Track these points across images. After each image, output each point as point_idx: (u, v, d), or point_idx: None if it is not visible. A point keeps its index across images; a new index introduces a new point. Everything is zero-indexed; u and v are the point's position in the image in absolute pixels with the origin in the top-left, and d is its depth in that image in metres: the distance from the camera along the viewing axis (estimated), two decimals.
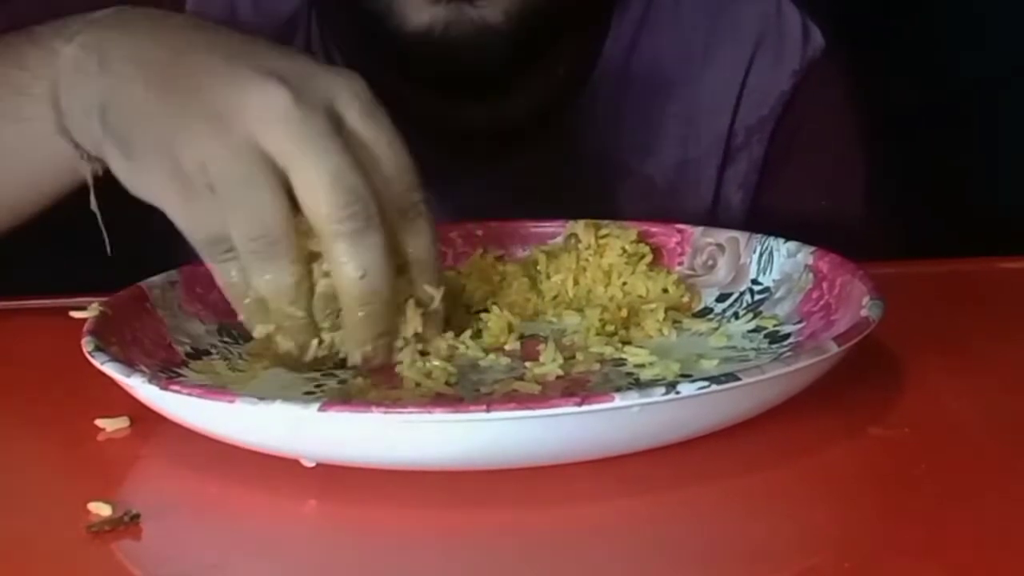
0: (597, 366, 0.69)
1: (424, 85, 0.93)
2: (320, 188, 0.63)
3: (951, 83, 1.53)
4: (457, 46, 0.87)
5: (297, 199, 0.64)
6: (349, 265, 0.64)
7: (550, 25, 0.92)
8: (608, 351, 0.70)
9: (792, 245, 0.76)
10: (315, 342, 0.66)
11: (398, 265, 0.67)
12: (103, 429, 0.64)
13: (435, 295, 0.68)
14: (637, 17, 0.99)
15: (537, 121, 0.97)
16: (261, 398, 0.57)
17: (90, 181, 0.72)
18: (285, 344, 0.66)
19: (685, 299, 0.76)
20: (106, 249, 0.73)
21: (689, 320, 0.74)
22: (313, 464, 0.59)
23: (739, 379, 0.57)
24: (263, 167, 0.64)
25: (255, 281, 0.65)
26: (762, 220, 0.98)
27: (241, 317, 0.68)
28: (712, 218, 1.00)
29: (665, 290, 0.76)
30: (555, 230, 0.82)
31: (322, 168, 0.63)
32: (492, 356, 0.70)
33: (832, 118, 1.03)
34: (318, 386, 0.67)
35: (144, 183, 0.67)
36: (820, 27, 1.01)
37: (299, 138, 0.63)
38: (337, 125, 0.65)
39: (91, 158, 0.72)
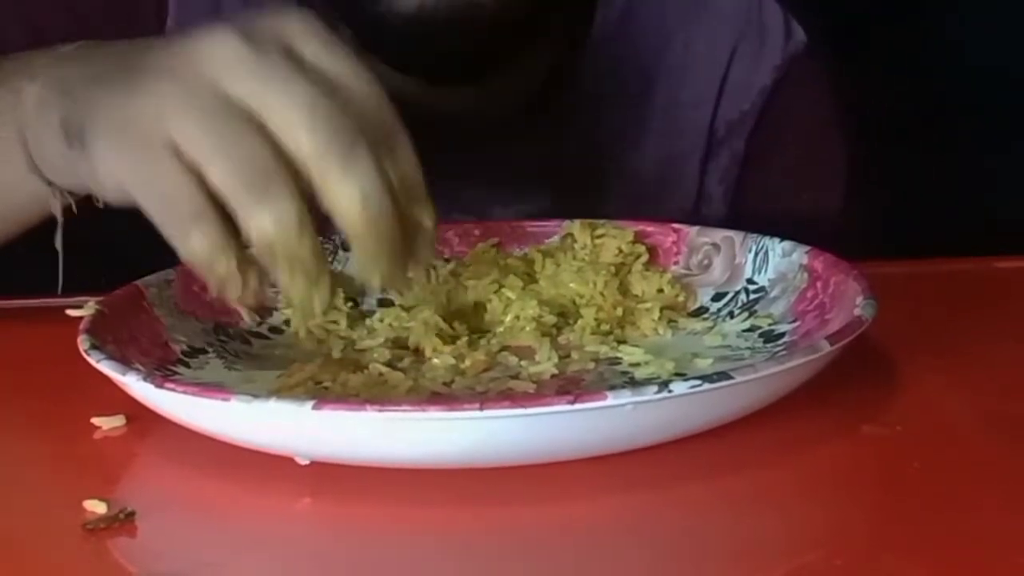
0: (592, 365, 0.69)
1: (408, 70, 0.90)
2: (298, 122, 0.59)
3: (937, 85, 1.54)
4: (443, 26, 0.85)
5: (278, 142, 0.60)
6: (348, 194, 0.59)
7: (537, 4, 0.91)
8: (603, 350, 0.70)
9: (787, 245, 0.76)
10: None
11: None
12: (99, 427, 0.65)
13: (427, 217, 0.63)
14: (621, 6, 1.00)
15: (523, 110, 0.97)
16: (255, 396, 0.57)
17: (59, 218, 0.71)
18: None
19: (680, 298, 0.76)
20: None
21: (684, 319, 0.74)
22: (307, 462, 0.59)
23: (732, 378, 0.58)
24: (233, 111, 0.59)
25: (255, 230, 0.59)
26: (743, 215, 1.00)
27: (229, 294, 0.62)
28: (696, 212, 1.00)
29: (661, 289, 0.76)
30: (552, 230, 0.82)
31: (295, 101, 0.59)
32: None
33: (812, 115, 1.03)
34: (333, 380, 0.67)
35: (108, 169, 0.62)
36: (803, 25, 1.01)
37: (261, 75, 0.60)
38: (298, 62, 0.61)
39: (63, 193, 0.70)
